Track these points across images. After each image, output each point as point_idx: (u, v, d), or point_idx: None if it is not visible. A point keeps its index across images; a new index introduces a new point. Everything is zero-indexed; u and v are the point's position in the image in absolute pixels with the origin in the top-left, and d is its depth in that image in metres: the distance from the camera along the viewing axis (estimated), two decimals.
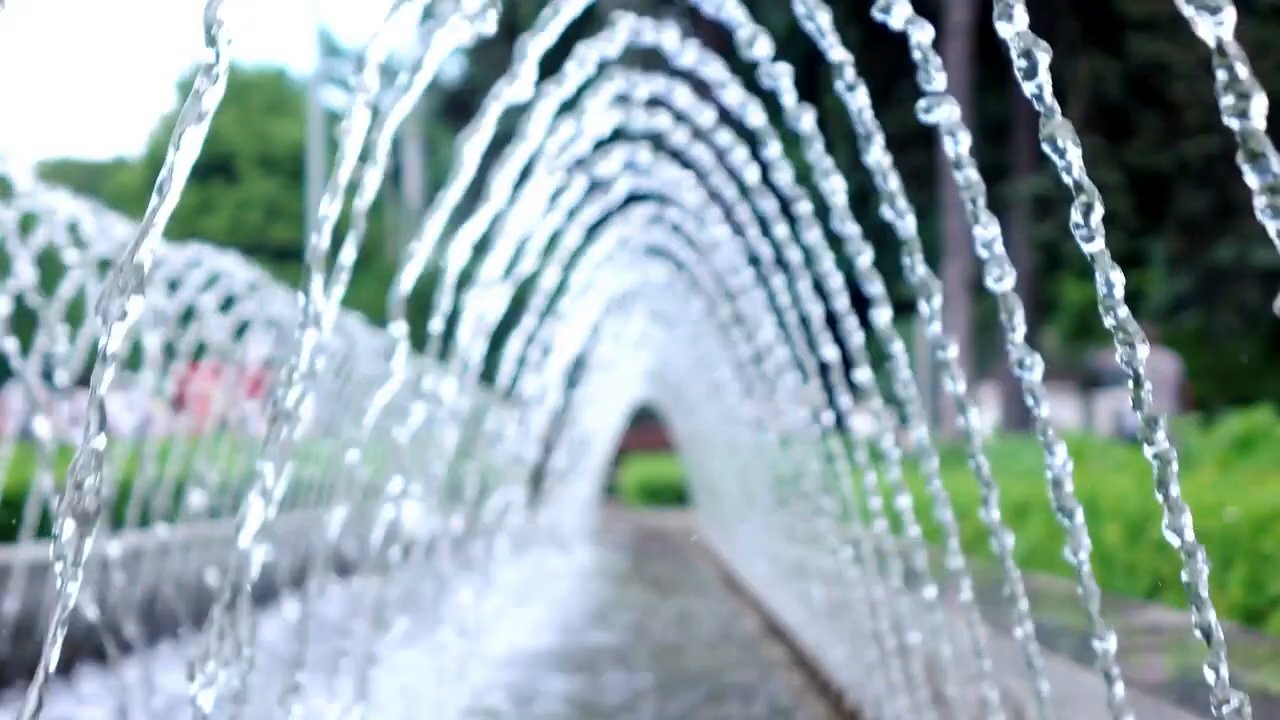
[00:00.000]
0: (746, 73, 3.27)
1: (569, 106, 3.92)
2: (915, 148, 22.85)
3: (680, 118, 4.61)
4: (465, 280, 3.90)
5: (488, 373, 5.93)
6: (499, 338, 5.44)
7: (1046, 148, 1.57)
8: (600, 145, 4.88)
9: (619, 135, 4.89)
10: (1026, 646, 2.41)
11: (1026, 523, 7.65)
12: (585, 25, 3.24)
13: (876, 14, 1.93)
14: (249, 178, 50.33)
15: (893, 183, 2.46)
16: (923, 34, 1.91)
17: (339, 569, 7.30)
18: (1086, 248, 1.58)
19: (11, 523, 5.75)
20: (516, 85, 2.66)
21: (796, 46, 6.08)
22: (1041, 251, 25.55)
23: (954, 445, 13.99)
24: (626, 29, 3.39)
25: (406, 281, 2.63)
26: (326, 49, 42.69)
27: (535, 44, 2.62)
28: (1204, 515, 5.51)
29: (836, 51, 2.33)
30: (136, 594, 6.03)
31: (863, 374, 3.71)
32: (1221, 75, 1.30)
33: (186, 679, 1.50)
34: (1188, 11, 1.31)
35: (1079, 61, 24.26)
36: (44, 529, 5.69)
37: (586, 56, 3.32)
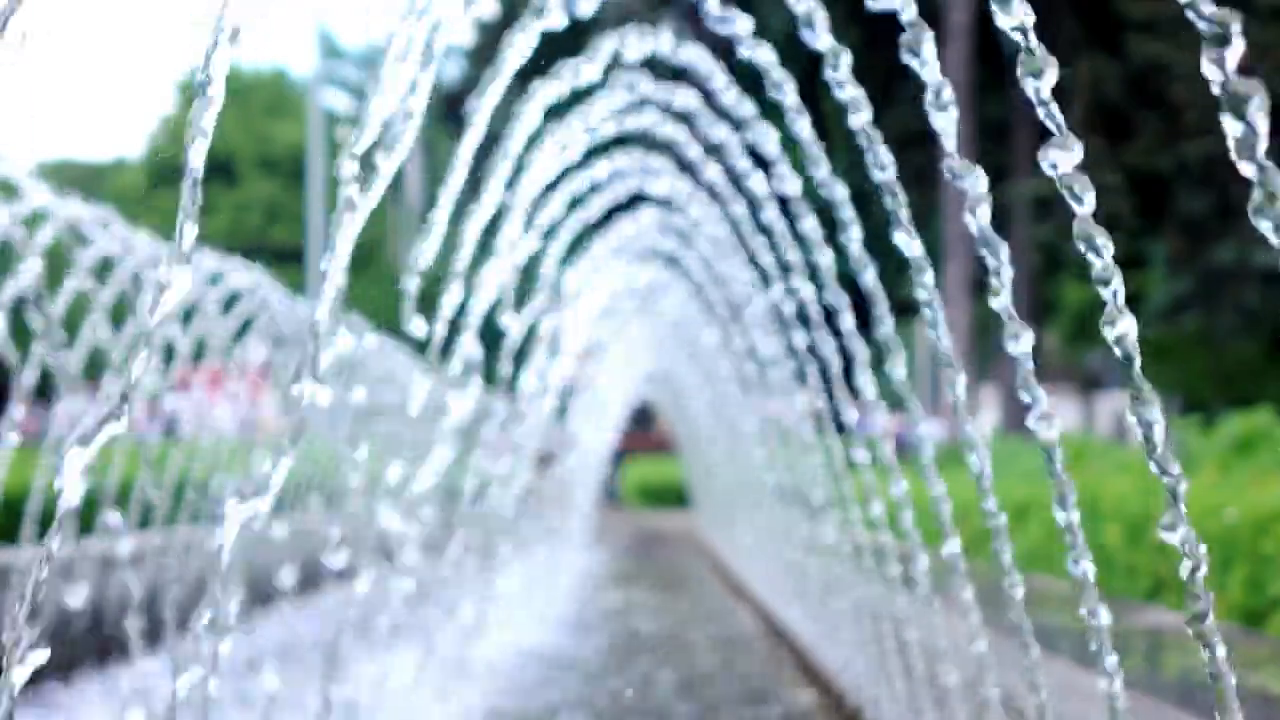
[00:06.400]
0: (748, 71, 3.28)
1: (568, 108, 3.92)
2: (915, 149, 22.85)
3: (680, 119, 4.62)
4: (469, 281, 3.90)
5: (487, 374, 5.93)
6: (499, 338, 5.43)
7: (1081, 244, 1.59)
8: (601, 148, 4.88)
9: (619, 137, 4.89)
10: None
11: (1026, 524, 7.65)
12: (584, 26, 3.25)
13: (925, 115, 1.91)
14: (249, 179, 50.32)
15: (917, 254, 2.45)
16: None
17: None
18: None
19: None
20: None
21: (797, 48, 6.08)
22: (1042, 253, 25.56)
23: (954, 447, 13.98)
24: (639, 40, 3.39)
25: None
26: (327, 50, 42.71)
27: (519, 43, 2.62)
28: (1204, 517, 5.51)
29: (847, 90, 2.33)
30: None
31: (863, 376, 3.71)
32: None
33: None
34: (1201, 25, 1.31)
35: (1079, 62, 24.26)
36: (44, 530, 5.68)
37: (593, 59, 3.33)
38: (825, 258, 3.82)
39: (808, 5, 2.34)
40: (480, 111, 2.80)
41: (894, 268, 2.81)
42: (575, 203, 5.55)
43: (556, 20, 2.58)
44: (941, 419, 24.05)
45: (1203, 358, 25.03)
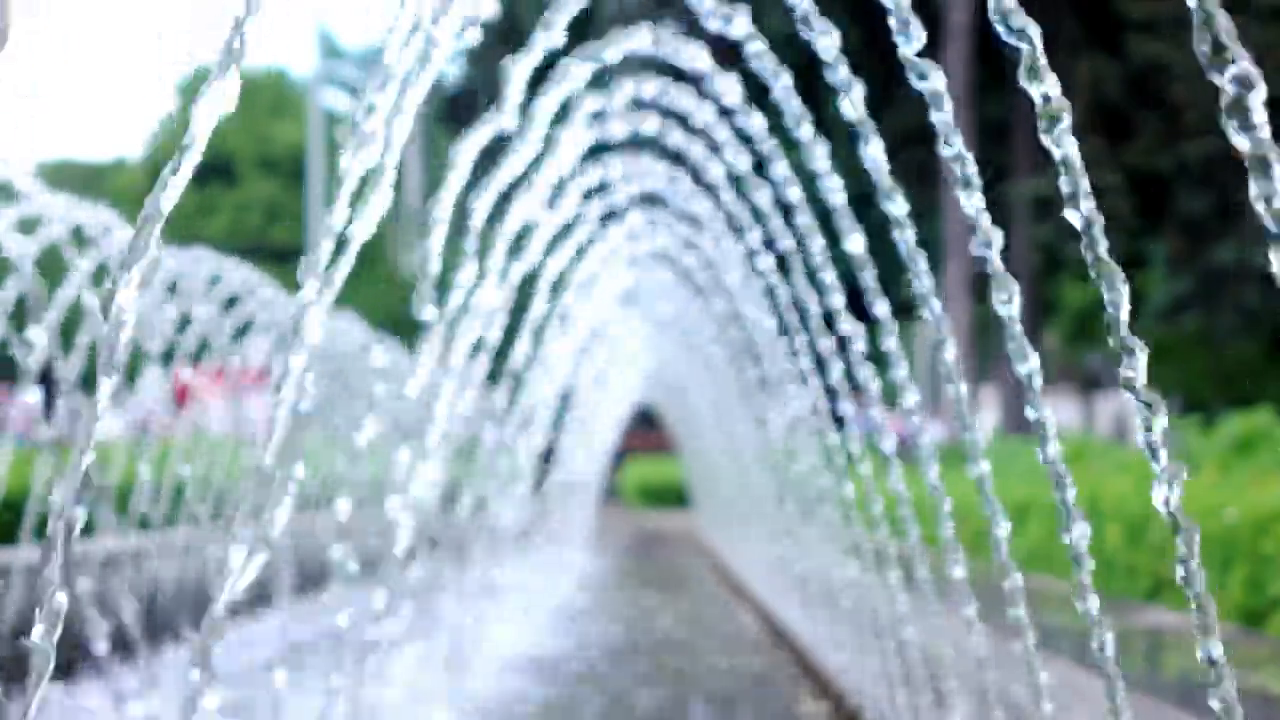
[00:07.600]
0: (748, 71, 3.28)
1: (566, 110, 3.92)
2: (915, 148, 22.87)
3: (680, 121, 4.61)
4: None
5: (488, 375, 5.93)
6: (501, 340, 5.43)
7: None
8: (601, 150, 4.88)
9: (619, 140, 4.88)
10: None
11: (1026, 524, 7.65)
12: (584, 26, 3.24)
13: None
14: (249, 179, 50.29)
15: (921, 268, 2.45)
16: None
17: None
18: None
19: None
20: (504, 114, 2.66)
21: (797, 49, 6.07)
22: (1042, 253, 25.54)
23: (953, 446, 13.97)
24: (634, 38, 3.39)
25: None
26: (327, 51, 42.69)
27: (525, 63, 2.62)
28: (1204, 517, 5.51)
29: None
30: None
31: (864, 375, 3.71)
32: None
33: None
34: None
35: (1079, 62, 24.25)
36: (44, 530, 5.67)
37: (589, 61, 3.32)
38: (825, 256, 3.82)
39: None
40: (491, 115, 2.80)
41: (895, 267, 2.81)
42: (586, 198, 5.54)
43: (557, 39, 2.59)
44: (941, 418, 24.05)
45: (1203, 358, 25.03)
